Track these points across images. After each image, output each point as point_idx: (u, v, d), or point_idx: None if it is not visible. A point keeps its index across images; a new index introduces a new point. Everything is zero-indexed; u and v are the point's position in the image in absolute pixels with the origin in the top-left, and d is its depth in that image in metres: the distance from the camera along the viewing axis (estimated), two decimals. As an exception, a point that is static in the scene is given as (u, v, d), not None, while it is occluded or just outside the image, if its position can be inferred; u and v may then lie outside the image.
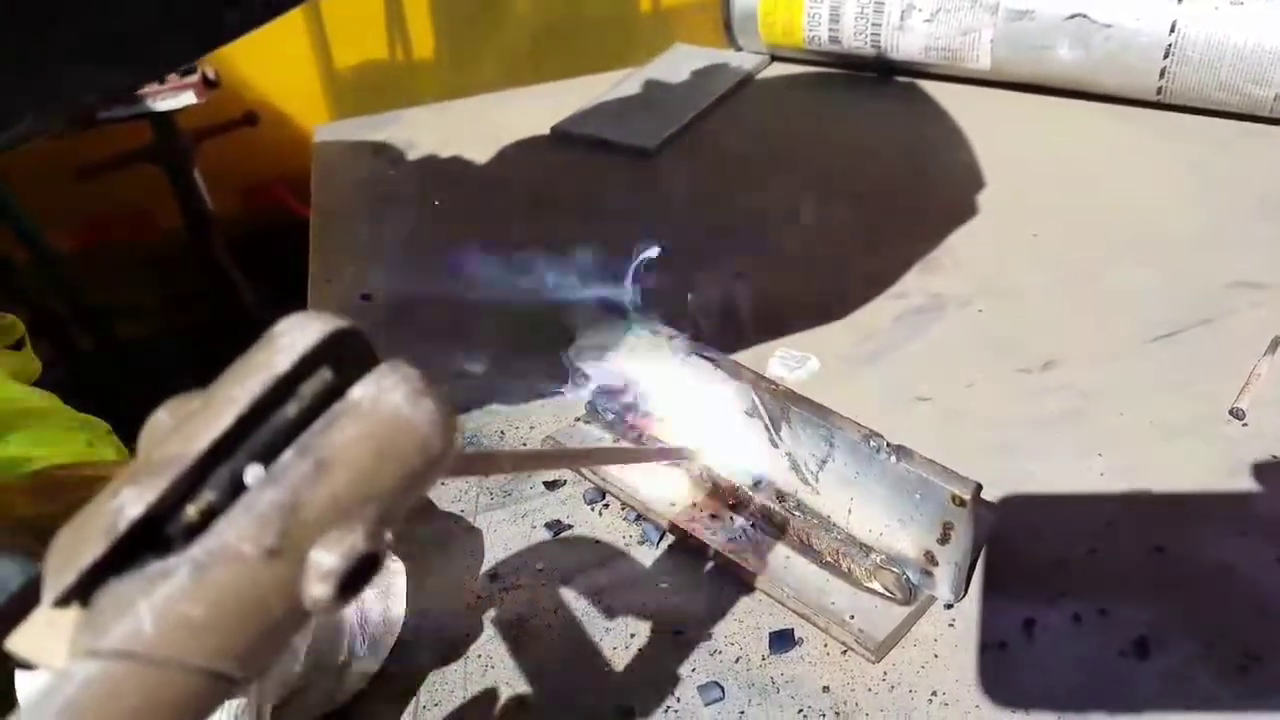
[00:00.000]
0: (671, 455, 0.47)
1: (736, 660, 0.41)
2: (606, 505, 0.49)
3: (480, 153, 0.84)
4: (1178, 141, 0.74)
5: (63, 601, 0.18)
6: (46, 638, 0.19)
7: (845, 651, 0.41)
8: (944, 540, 0.40)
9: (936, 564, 0.41)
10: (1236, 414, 0.50)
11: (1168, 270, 0.61)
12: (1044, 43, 0.77)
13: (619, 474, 0.49)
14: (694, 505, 0.46)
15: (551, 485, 0.50)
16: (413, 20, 1.50)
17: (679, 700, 0.40)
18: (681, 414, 0.49)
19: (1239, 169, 0.70)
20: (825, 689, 0.39)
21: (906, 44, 0.82)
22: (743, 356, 0.53)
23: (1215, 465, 0.47)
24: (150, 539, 0.18)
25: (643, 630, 0.43)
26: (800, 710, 0.39)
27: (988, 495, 0.45)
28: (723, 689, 0.40)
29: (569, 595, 0.44)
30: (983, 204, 0.69)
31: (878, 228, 0.69)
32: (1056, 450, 0.49)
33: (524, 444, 0.54)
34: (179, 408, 0.20)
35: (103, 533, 0.18)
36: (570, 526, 0.48)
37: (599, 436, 0.52)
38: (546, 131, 0.86)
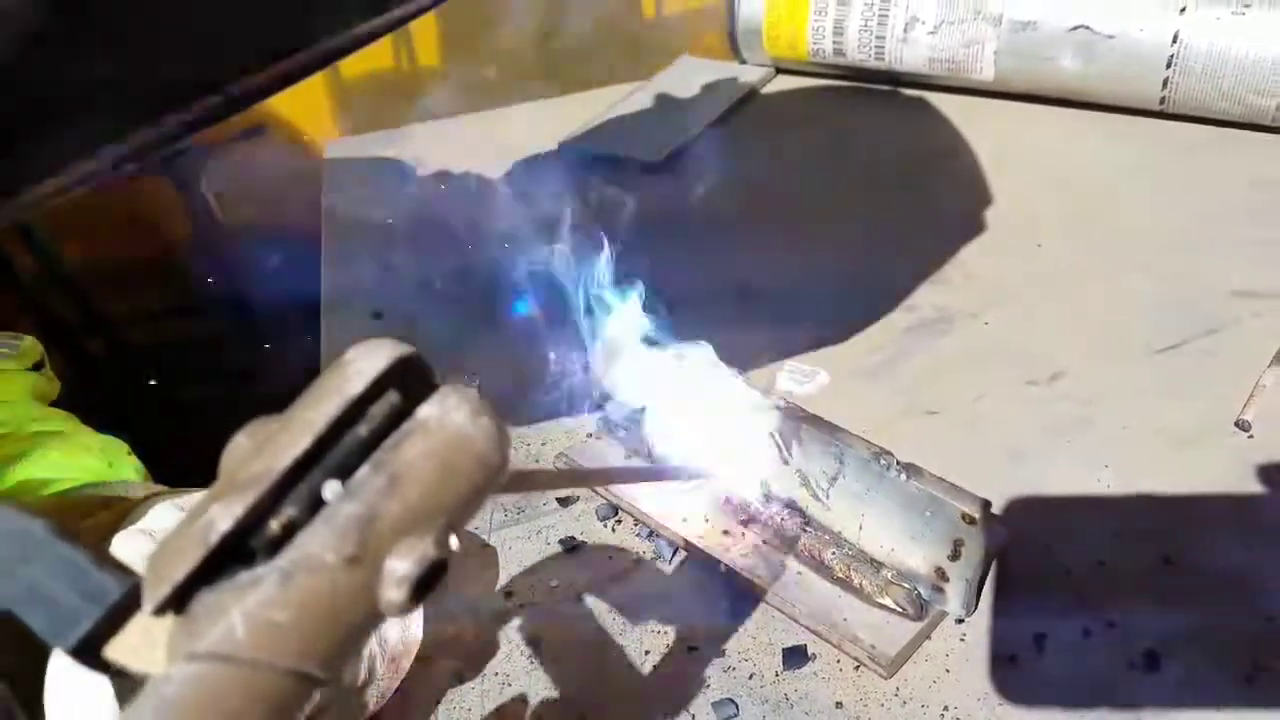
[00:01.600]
0: (698, 475, 0.47)
1: (750, 676, 0.41)
2: (619, 521, 0.49)
3: (489, 168, 0.85)
4: (1180, 151, 0.74)
5: (161, 610, 0.19)
6: (143, 645, 0.21)
7: (858, 667, 0.41)
8: (954, 556, 0.40)
9: (947, 580, 0.41)
10: (1242, 426, 0.50)
11: (1172, 280, 0.61)
12: (1047, 54, 0.77)
13: (631, 490, 0.49)
14: (706, 521, 0.47)
15: (564, 501, 0.51)
16: (418, 32, 1.51)
17: (694, 717, 0.40)
18: (692, 431, 0.49)
19: (1241, 178, 0.70)
20: (838, 705, 0.40)
21: (910, 56, 0.82)
22: (752, 371, 0.54)
23: (1222, 476, 0.48)
24: (236, 552, 0.20)
25: (657, 646, 0.43)
26: (814, 726, 0.39)
27: (996, 508, 0.45)
28: (737, 705, 0.40)
29: (584, 612, 0.45)
30: (988, 216, 0.70)
31: (884, 240, 0.69)
32: (1064, 462, 0.50)
33: (537, 460, 0.54)
34: (258, 431, 0.22)
35: (196, 545, 0.19)
36: (584, 543, 0.49)
37: (611, 453, 0.52)
38: (554, 146, 0.86)
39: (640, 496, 0.49)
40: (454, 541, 0.21)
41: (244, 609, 0.19)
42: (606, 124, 0.88)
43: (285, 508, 0.20)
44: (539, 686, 0.42)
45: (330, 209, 0.85)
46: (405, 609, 0.20)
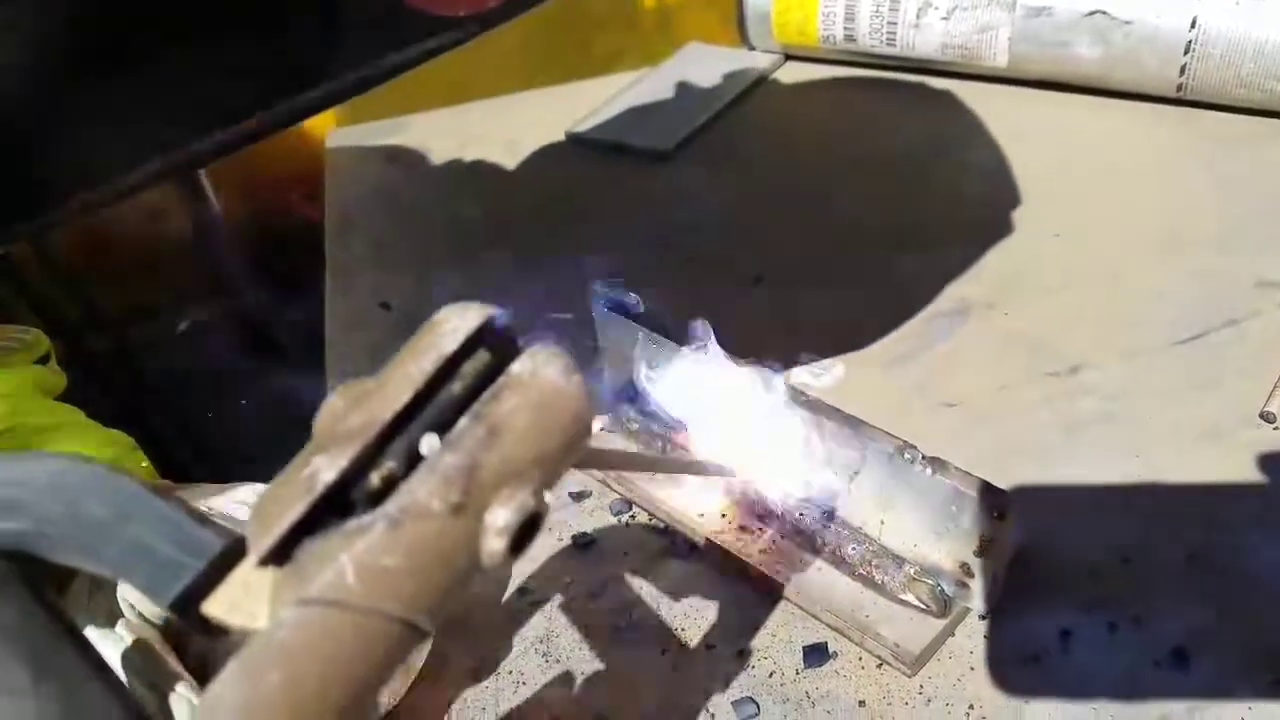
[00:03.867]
0: (727, 472, 0.46)
1: (770, 675, 0.41)
2: (634, 516, 0.49)
3: (496, 158, 0.84)
4: (1199, 139, 0.73)
5: (267, 559, 0.20)
6: (244, 599, 0.21)
7: (880, 665, 0.40)
8: (979, 552, 0.40)
9: (972, 575, 0.40)
10: (1267, 418, 0.49)
11: (1191, 270, 0.60)
12: (1063, 39, 0.76)
13: (647, 485, 0.48)
14: (723, 517, 0.46)
15: (577, 496, 0.50)
16: (420, 20, 1.49)
17: (713, 716, 0.39)
18: (708, 424, 0.48)
19: (1261, 166, 0.69)
20: (861, 703, 0.39)
21: (923, 42, 0.81)
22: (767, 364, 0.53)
23: (1248, 469, 0.47)
24: (337, 505, 0.20)
25: (674, 645, 0.42)
26: (836, 725, 0.39)
27: (1018, 502, 0.44)
28: (757, 704, 0.39)
29: (599, 609, 0.44)
30: (1005, 205, 0.69)
31: (900, 230, 0.68)
32: (1086, 455, 0.49)
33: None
34: (350, 390, 0.22)
35: (300, 495, 0.20)
36: (597, 539, 0.48)
37: (622, 447, 0.51)
38: (561, 135, 0.85)
39: (656, 491, 0.48)
40: (548, 496, 0.21)
41: (353, 554, 0.19)
42: (614, 112, 0.87)
43: (385, 461, 0.20)
44: (554, 685, 0.41)
45: (333, 200, 0.84)
46: (504, 561, 0.20)
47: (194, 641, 0.34)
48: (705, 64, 0.92)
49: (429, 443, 0.21)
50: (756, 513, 0.46)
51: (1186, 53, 0.72)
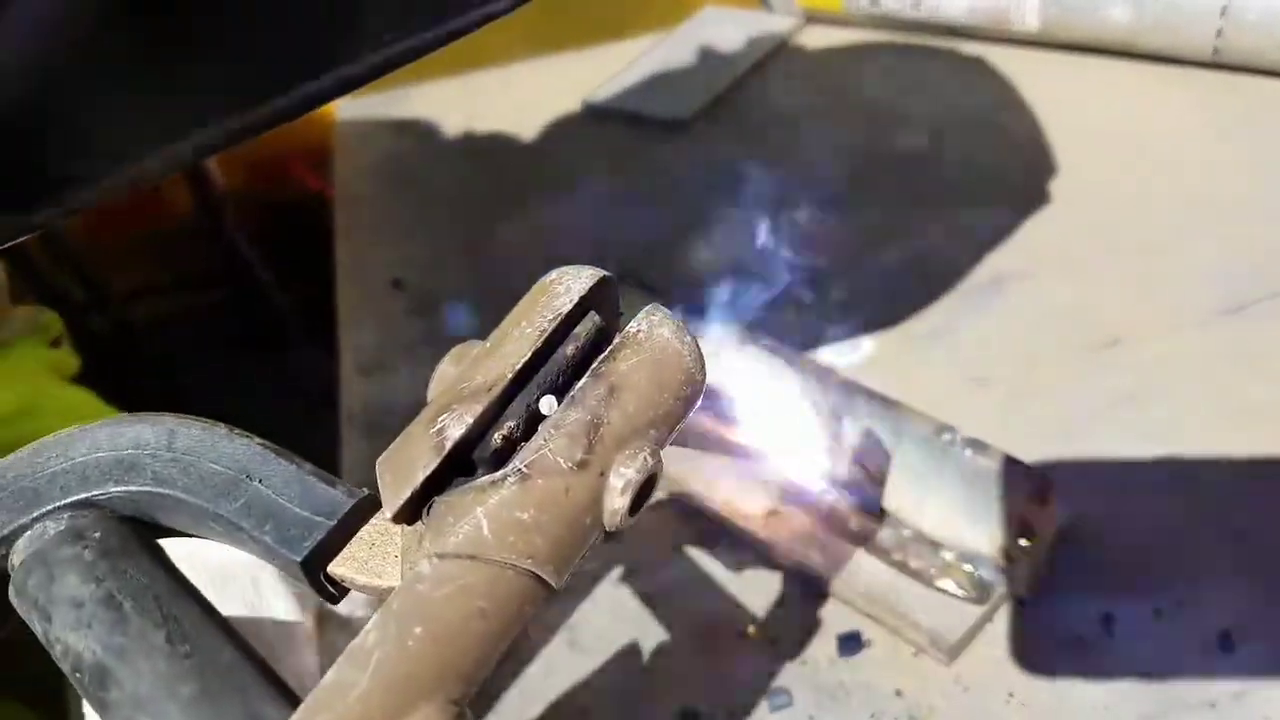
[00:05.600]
0: (759, 457, 0.45)
1: (803, 663, 0.40)
2: (660, 502, 0.47)
3: (509, 129, 0.82)
4: (1235, 104, 0.71)
5: (400, 515, 0.20)
6: (371, 558, 0.21)
7: (916, 653, 0.39)
8: (1019, 536, 0.38)
9: (1011, 560, 0.39)
10: (1313, 393, 0.48)
11: (1229, 240, 0.58)
12: (1095, 3, 0.73)
13: (674, 469, 0.47)
14: (754, 502, 0.45)
15: (602, 479, 0.49)
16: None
17: (745, 706, 0.39)
18: (738, 406, 0.47)
19: (1300, 131, 0.67)
20: (898, 693, 0.38)
21: (950, 5, 0.78)
22: (791, 343, 0.52)
23: (1293, 447, 0.45)
24: (461, 464, 0.20)
25: (703, 633, 0.41)
26: (872, 714, 0.38)
27: (1058, 482, 0.43)
28: (789, 694, 0.39)
29: (627, 597, 0.43)
30: (1037, 174, 0.66)
31: (930, 200, 0.66)
32: (1126, 432, 0.47)
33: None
34: (463, 355, 0.23)
35: (429, 453, 0.20)
36: (622, 523, 0.47)
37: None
38: (574, 104, 0.83)
39: (684, 476, 0.47)
40: (661, 456, 0.21)
41: (488, 509, 0.19)
42: (631, 80, 0.84)
43: (506, 420, 0.21)
44: (582, 675, 0.40)
45: (343, 175, 0.82)
46: (625, 520, 0.20)
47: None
48: (723, 28, 0.89)
49: (547, 403, 0.21)
50: (788, 498, 0.45)
51: (1221, 15, 0.69)
